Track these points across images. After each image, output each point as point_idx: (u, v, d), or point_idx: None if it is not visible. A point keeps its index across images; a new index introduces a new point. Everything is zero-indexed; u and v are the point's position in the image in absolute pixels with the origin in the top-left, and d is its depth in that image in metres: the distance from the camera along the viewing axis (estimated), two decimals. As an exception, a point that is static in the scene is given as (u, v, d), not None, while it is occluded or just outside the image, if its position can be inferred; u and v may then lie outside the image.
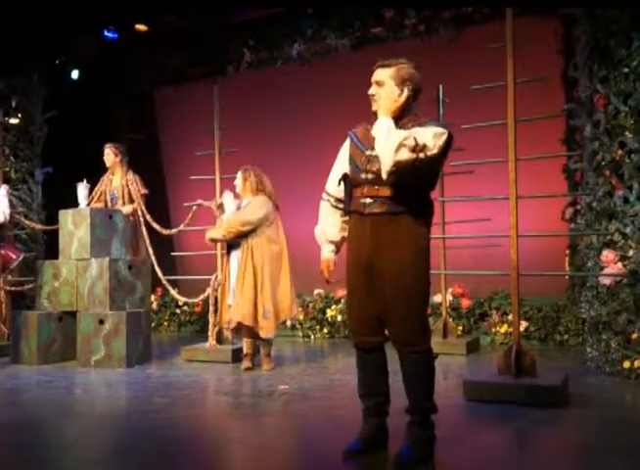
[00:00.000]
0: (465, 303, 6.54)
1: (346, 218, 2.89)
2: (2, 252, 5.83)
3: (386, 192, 2.67)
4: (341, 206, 2.90)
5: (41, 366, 5.51)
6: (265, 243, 5.06)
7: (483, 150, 5.06)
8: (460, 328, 6.35)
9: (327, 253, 2.98)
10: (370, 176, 2.70)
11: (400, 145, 2.54)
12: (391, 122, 2.66)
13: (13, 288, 6.47)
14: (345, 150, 2.88)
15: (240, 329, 5.18)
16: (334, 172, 2.93)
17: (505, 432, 3.30)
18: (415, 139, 2.56)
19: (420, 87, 2.78)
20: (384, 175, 2.60)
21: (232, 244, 5.23)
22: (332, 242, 2.97)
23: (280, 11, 6.98)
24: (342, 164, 2.88)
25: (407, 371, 2.76)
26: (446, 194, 5.75)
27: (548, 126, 5.31)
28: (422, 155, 2.56)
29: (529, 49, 4.35)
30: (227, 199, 5.27)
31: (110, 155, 6.36)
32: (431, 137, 2.60)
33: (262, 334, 5.05)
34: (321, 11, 6.96)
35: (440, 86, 5.90)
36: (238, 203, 5.26)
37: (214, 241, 5.31)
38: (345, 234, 2.91)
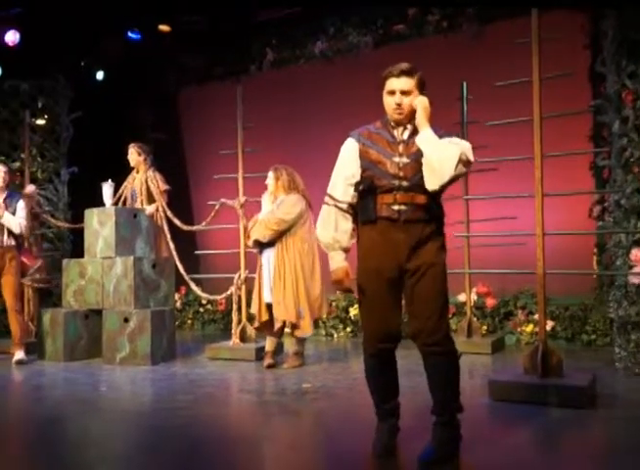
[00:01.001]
0: (490, 302, 6.47)
1: (353, 225, 2.84)
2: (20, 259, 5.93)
3: (421, 199, 2.70)
4: (351, 212, 2.82)
5: (67, 363, 5.58)
6: (299, 241, 5.10)
7: (507, 147, 5.00)
8: (485, 327, 6.28)
9: (342, 261, 2.83)
10: (404, 183, 2.69)
11: (459, 161, 2.61)
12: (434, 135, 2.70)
13: (40, 286, 6.56)
14: (353, 154, 2.79)
15: (267, 328, 5.20)
16: (340, 176, 2.81)
17: (530, 433, 3.25)
18: (466, 154, 2.64)
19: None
20: (435, 187, 2.65)
21: (263, 242, 5.23)
22: (344, 249, 2.85)
23: (302, 9, 6.96)
24: (350, 169, 2.79)
25: (433, 371, 2.74)
26: (470, 192, 5.70)
27: (575, 123, 5.24)
28: (468, 168, 2.69)
29: (555, 44, 4.28)
30: (265, 199, 5.27)
31: (133, 154, 6.42)
32: (470, 151, 2.69)
33: (298, 333, 5.11)
34: (343, 9, 6.94)
35: (464, 83, 5.84)
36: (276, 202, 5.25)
37: (257, 242, 5.26)
38: (354, 241, 2.86)
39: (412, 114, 2.73)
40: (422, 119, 2.69)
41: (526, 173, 4.37)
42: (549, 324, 5.84)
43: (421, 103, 2.70)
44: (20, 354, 5.67)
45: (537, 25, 4.06)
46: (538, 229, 4.04)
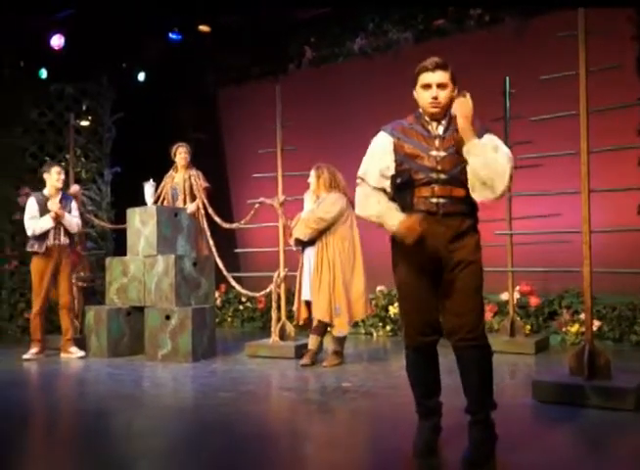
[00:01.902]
0: (533, 301, 6.34)
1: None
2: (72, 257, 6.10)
3: (460, 192, 2.69)
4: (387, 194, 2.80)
5: (111, 359, 5.69)
6: (339, 240, 5.09)
7: (550, 143, 4.88)
8: (528, 327, 6.15)
9: (400, 215, 2.67)
10: (442, 176, 2.67)
11: (510, 176, 2.64)
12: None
13: (85, 284, 6.72)
14: (388, 147, 2.75)
15: (311, 325, 5.21)
16: (375, 167, 2.75)
17: (575, 435, 3.17)
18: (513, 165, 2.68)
19: None
20: (485, 199, 2.67)
21: (304, 241, 5.23)
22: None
23: (340, 7, 6.94)
24: (385, 161, 2.74)
25: (471, 367, 2.70)
26: (512, 188, 5.57)
27: (622, 116, 5.07)
28: None
29: (601, 36, 4.16)
30: (307, 197, 5.28)
31: (186, 154, 6.53)
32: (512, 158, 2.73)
33: (334, 332, 5.10)
34: (383, 5, 6.89)
35: (507, 78, 5.73)
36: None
37: (299, 241, 5.26)
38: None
39: (447, 107, 2.72)
40: (467, 131, 2.64)
41: (571, 169, 4.26)
42: (596, 324, 5.68)
43: (463, 109, 2.65)
44: (75, 350, 5.86)
45: (584, 17, 3.95)
46: (585, 226, 3.93)
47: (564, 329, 6.11)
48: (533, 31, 6.16)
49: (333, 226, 5.08)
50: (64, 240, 5.91)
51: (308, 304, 5.23)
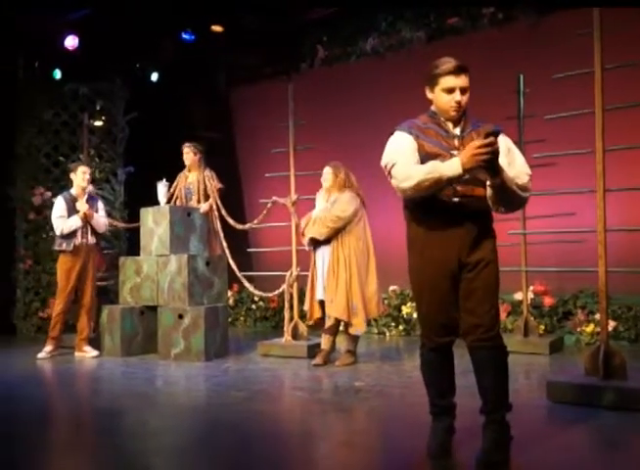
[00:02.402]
0: (547, 300, 6.29)
1: None
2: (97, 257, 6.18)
3: (480, 192, 2.68)
4: None
5: (125, 358, 5.71)
6: (354, 239, 5.09)
7: (564, 141, 4.84)
8: (542, 327, 6.11)
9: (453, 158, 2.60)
10: (464, 175, 2.66)
11: (530, 189, 2.77)
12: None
13: (101, 284, 6.77)
14: (412, 146, 2.71)
15: (322, 325, 5.20)
16: (408, 160, 2.67)
17: (590, 436, 3.15)
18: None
19: None
20: (498, 212, 2.75)
21: (318, 240, 5.21)
22: None
23: (353, 6, 6.93)
24: (413, 158, 2.70)
25: (486, 367, 2.68)
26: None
27: (638, 115, 5.02)
28: None
29: (617, 33, 4.12)
30: (319, 196, 5.26)
31: (189, 154, 6.54)
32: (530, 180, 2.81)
33: (352, 330, 5.10)
34: (393, 5, 6.87)
35: (521, 76, 5.69)
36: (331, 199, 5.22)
37: (313, 240, 5.22)
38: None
39: (465, 110, 2.74)
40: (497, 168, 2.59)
41: (585, 168, 4.23)
42: (611, 324, 5.63)
43: (467, 99, 2.71)
44: (89, 349, 5.91)
45: (599, 14, 3.91)
46: (600, 226, 3.89)
47: (578, 329, 6.05)
48: (547, 29, 6.12)
49: (348, 225, 5.08)
50: (91, 239, 5.97)
51: (321, 303, 5.23)
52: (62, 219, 5.86)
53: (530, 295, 6.17)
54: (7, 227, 7.46)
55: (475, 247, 2.69)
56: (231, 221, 6.40)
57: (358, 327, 5.08)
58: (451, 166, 2.55)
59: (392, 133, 2.80)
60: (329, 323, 5.16)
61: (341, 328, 5.28)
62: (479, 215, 2.70)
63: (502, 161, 2.61)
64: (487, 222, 2.76)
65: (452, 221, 2.67)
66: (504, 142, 2.72)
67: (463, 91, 2.68)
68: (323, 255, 5.20)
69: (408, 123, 2.79)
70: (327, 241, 5.14)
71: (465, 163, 2.52)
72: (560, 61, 4.93)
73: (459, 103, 2.67)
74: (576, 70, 4.12)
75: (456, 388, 2.87)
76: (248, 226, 6.57)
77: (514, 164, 2.71)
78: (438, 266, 2.70)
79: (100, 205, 6.14)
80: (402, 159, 2.67)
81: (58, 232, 5.88)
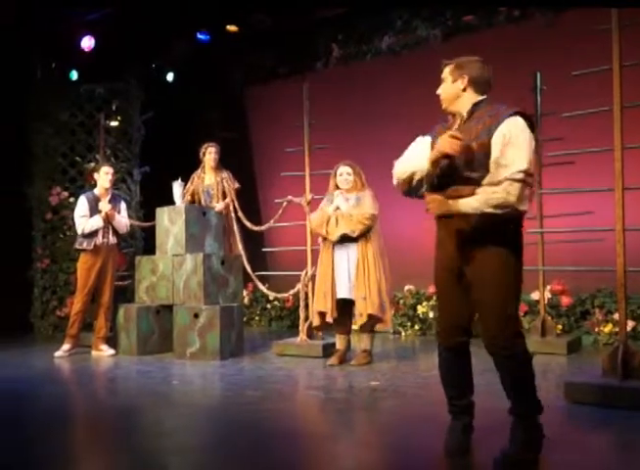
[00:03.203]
0: (565, 300, 6.23)
1: None
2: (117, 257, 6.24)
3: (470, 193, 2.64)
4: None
5: (140, 357, 5.74)
6: (377, 237, 5.12)
7: (583, 139, 4.79)
8: (560, 327, 6.05)
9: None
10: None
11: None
12: None
13: (122, 283, 6.82)
14: (423, 146, 2.74)
15: (338, 324, 5.17)
16: (398, 163, 2.79)
17: (609, 437, 3.11)
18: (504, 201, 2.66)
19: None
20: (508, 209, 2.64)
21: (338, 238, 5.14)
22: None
23: (368, 4, 6.91)
24: (406, 158, 2.77)
25: (501, 372, 2.66)
26: (544, 186, 5.49)
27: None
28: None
29: (636, 29, 4.06)
30: (338, 196, 5.20)
31: (216, 154, 6.55)
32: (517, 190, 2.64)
33: (380, 327, 5.16)
34: (406, 4, 6.83)
35: (538, 73, 5.64)
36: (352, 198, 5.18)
37: (344, 237, 5.10)
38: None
39: (452, 102, 2.74)
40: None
41: (603, 166, 4.17)
42: (630, 324, 5.56)
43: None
44: (105, 347, 5.95)
45: (617, 11, 3.86)
46: (618, 225, 3.85)
47: (596, 329, 5.99)
48: (564, 26, 6.05)
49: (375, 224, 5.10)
50: (112, 239, 6.02)
51: (340, 302, 5.12)
52: (84, 219, 5.90)
53: (548, 294, 6.11)
54: (24, 227, 7.53)
55: (473, 252, 2.60)
56: (247, 224, 6.37)
57: (388, 323, 5.14)
58: (423, 161, 2.63)
59: None
60: (360, 321, 5.05)
61: (355, 327, 5.26)
62: (488, 225, 2.55)
63: (494, 155, 2.51)
64: (496, 232, 2.58)
65: (450, 223, 2.63)
66: (505, 129, 2.52)
67: (442, 83, 2.75)
68: (348, 253, 5.11)
69: (435, 127, 2.84)
70: (350, 239, 5.07)
71: (435, 153, 2.56)
72: (577, 58, 4.87)
73: (439, 95, 2.75)
74: (595, 68, 4.07)
75: (474, 387, 2.85)
76: (265, 227, 6.53)
77: (500, 168, 2.50)
78: (443, 267, 2.73)
79: (122, 205, 6.18)
80: (400, 158, 2.77)
81: (79, 231, 5.93)
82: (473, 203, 2.51)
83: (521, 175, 2.48)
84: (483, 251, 2.59)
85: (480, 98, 2.71)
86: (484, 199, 2.50)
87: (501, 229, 2.58)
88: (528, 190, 2.54)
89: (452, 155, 2.50)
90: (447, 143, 2.49)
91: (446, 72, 2.75)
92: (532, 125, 2.62)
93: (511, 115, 2.57)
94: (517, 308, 2.69)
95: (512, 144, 2.51)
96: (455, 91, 2.71)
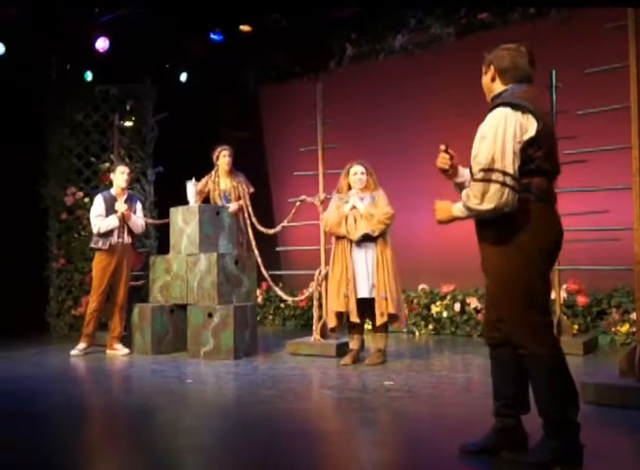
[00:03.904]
0: (581, 300, 6.17)
1: None
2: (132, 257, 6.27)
3: None
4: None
5: (155, 356, 5.76)
6: (390, 237, 5.15)
7: (596, 138, 4.74)
8: (576, 327, 6.00)
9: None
10: None
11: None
12: None
13: (137, 283, 6.85)
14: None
15: (355, 325, 5.16)
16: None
17: (626, 439, 3.08)
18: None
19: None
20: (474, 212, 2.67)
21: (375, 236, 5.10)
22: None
23: (381, 2, 6.89)
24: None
25: (527, 372, 2.62)
26: (559, 185, 5.43)
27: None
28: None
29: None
30: (354, 196, 5.17)
31: (230, 157, 6.50)
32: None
33: (396, 325, 5.27)
34: (420, 3, 6.80)
35: (553, 71, 5.58)
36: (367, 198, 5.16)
37: (366, 236, 5.05)
38: None
39: (488, 92, 2.74)
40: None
41: (620, 165, 4.13)
42: (646, 324, 5.50)
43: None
44: (120, 347, 5.98)
45: (634, 7, 3.82)
46: (636, 223, 3.81)
47: (613, 329, 5.93)
48: (579, 23, 6.00)
49: None
50: (127, 239, 6.05)
51: (359, 302, 5.06)
52: (100, 218, 5.94)
53: (564, 294, 6.06)
54: (40, 227, 7.59)
55: (481, 251, 2.66)
56: (261, 228, 6.35)
57: (403, 322, 5.24)
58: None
59: None
60: (381, 321, 5.00)
61: (367, 327, 5.25)
62: (484, 222, 2.58)
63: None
64: (492, 229, 2.55)
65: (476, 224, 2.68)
66: (484, 122, 2.48)
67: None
68: (366, 252, 5.07)
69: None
70: (369, 239, 5.05)
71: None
72: (593, 55, 4.83)
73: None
74: (610, 65, 4.03)
75: (519, 398, 2.71)
76: (279, 228, 6.50)
77: (474, 165, 2.45)
78: (480, 265, 2.73)
79: (138, 205, 6.20)
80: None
81: (95, 230, 5.96)
82: (458, 208, 2.56)
83: (480, 174, 2.37)
84: (484, 250, 2.64)
85: (502, 89, 2.61)
86: (461, 204, 2.54)
87: (498, 227, 2.52)
88: (507, 188, 2.36)
89: (444, 169, 2.67)
90: (438, 159, 2.66)
91: (484, 64, 2.73)
92: (536, 116, 2.46)
93: (498, 105, 2.49)
94: (536, 312, 2.54)
95: (481, 138, 2.45)
96: (487, 82, 2.69)
